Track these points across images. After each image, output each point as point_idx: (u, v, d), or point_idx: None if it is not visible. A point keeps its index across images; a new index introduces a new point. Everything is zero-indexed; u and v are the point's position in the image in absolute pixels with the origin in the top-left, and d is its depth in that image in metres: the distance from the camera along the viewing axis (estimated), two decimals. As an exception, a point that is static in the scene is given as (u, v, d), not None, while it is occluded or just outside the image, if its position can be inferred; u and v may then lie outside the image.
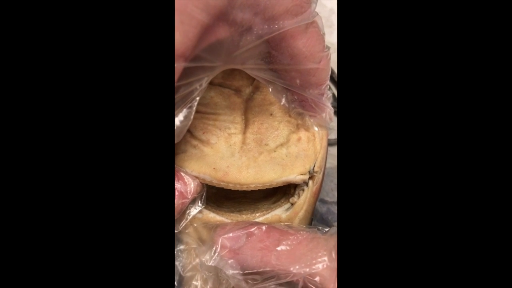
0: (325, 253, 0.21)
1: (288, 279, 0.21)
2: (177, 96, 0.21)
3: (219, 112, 0.27)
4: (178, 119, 0.22)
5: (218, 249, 0.22)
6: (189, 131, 0.26)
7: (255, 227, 0.22)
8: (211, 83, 0.28)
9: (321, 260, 0.21)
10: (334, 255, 0.21)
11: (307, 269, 0.20)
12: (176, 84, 0.20)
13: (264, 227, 0.22)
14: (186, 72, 0.20)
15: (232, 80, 0.28)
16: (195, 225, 0.25)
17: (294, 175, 0.25)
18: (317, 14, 0.23)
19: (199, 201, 0.25)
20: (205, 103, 0.27)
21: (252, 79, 0.28)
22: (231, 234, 0.22)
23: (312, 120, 0.26)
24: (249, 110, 0.27)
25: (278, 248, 0.21)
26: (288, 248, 0.21)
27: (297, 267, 0.21)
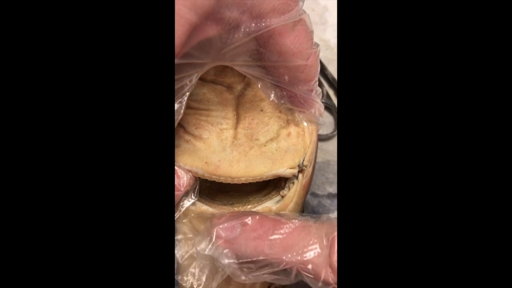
0: (316, 241, 0.21)
1: (281, 267, 0.21)
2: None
3: (211, 108, 0.27)
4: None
5: (214, 239, 0.23)
6: (182, 126, 0.27)
7: (249, 217, 0.23)
8: (204, 80, 0.28)
9: (312, 248, 0.21)
10: (325, 242, 0.21)
11: (299, 258, 0.21)
12: None
13: (257, 217, 0.23)
14: (176, 68, 0.21)
15: (224, 77, 0.29)
16: (192, 215, 0.26)
17: (283, 169, 0.26)
18: (304, 12, 0.24)
19: (192, 194, 0.26)
20: (198, 99, 0.28)
21: (243, 76, 0.29)
22: (226, 225, 0.23)
23: (301, 116, 0.27)
24: (240, 106, 0.28)
25: (271, 237, 0.22)
26: (280, 237, 0.22)
27: (289, 255, 0.21)
